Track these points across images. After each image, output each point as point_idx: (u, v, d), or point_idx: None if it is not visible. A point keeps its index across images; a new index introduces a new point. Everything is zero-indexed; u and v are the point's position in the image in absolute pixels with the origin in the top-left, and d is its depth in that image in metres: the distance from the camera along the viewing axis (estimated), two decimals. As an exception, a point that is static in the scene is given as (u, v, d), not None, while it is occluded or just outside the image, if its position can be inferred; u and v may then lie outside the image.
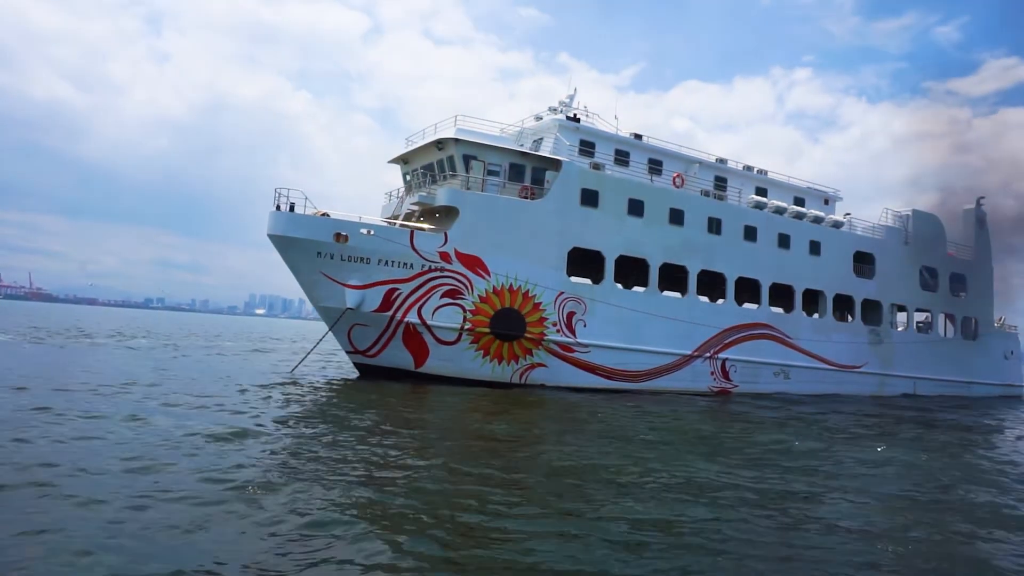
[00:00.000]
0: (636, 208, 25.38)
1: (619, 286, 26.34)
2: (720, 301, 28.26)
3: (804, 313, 30.31)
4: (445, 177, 23.82)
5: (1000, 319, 40.17)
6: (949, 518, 9.19)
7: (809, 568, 6.81)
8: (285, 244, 21.41)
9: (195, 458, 9.55)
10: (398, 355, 22.31)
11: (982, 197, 39.24)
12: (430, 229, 22.39)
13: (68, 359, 24.78)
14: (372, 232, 21.42)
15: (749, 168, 30.50)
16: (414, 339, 22.08)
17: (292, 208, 21.29)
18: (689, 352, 26.13)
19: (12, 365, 21.02)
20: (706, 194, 27.94)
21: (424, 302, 21.72)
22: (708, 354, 26.61)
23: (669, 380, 25.65)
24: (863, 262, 32.26)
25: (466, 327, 22.07)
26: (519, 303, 22.64)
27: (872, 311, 32.59)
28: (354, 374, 23.74)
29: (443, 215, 23.27)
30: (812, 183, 33.07)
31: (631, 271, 27.14)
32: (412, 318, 21.73)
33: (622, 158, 26.76)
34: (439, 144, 23.63)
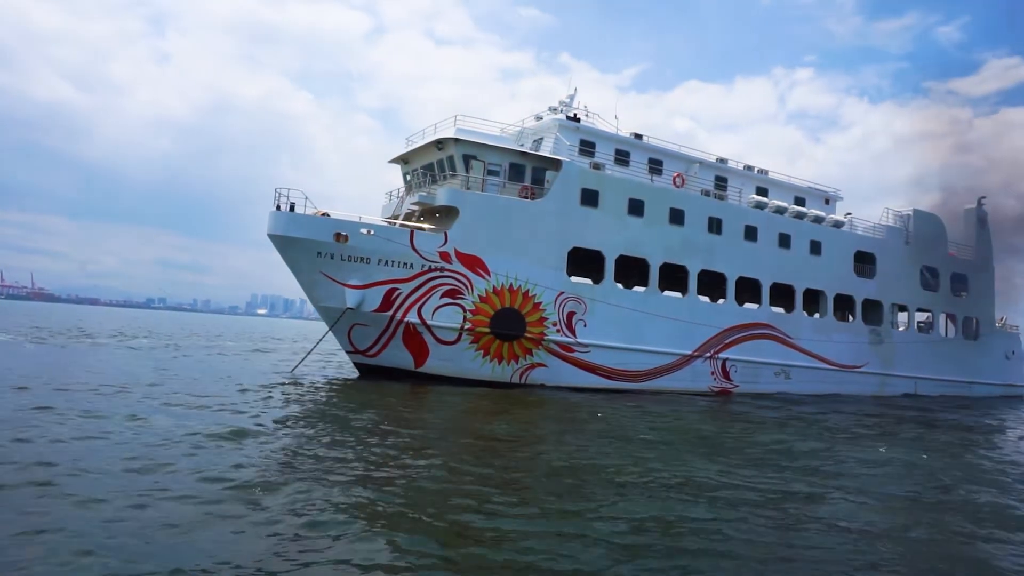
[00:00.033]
0: (636, 208, 25.36)
1: (619, 286, 26.33)
2: (720, 301, 28.24)
3: (805, 313, 30.29)
4: (445, 177, 23.82)
5: (1001, 319, 40.13)
6: (950, 518, 9.18)
7: (810, 568, 6.80)
8: (285, 244, 21.42)
9: (195, 458, 9.55)
10: (398, 355, 22.31)
11: (983, 197, 39.21)
12: (430, 229, 22.40)
13: (69, 359, 24.80)
14: (372, 232, 21.43)
15: (749, 168, 30.48)
16: (414, 339, 22.08)
17: (292, 208, 21.30)
18: (689, 352, 26.12)
19: (13, 365, 21.05)
20: (706, 194, 27.93)
21: (424, 302, 21.73)
22: (708, 354, 26.60)
23: (669, 380, 25.64)
24: (864, 262, 32.22)
25: (466, 327, 22.07)
26: (519, 303, 22.64)
27: (873, 311, 32.56)
28: (354, 374, 23.75)
29: (443, 215, 23.27)
30: (813, 183, 33.05)
31: (631, 271, 27.13)
32: (412, 318, 21.73)
33: (622, 158, 26.75)
34: (439, 144, 23.63)
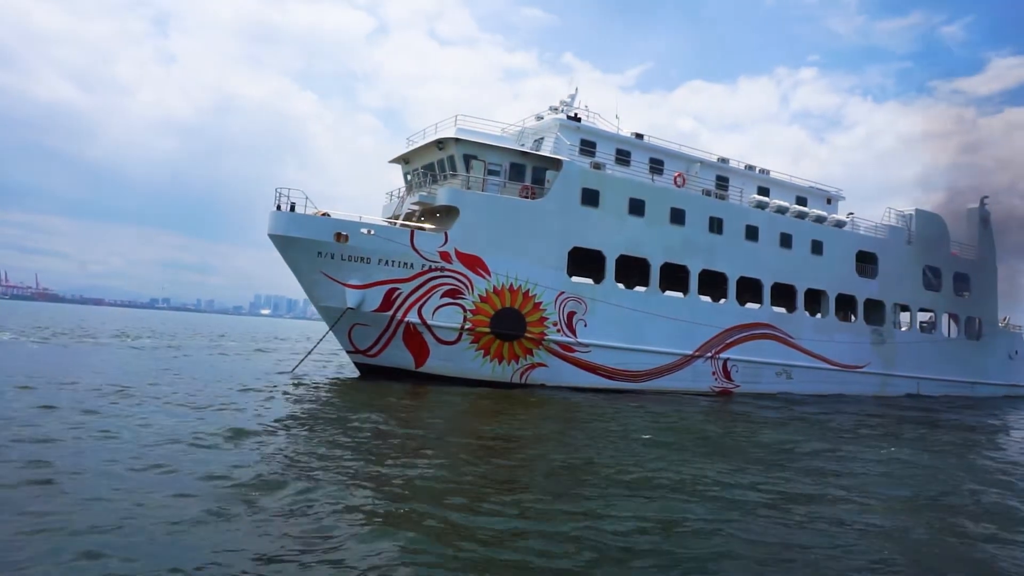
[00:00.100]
0: (637, 208, 25.33)
1: (620, 286, 26.31)
2: (722, 301, 28.18)
3: (806, 313, 30.19)
4: (446, 177, 23.83)
5: (1004, 319, 39.98)
6: (953, 519, 9.14)
7: (811, 569, 6.78)
8: (285, 244, 21.45)
9: (195, 458, 9.57)
10: (398, 355, 22.32)
11: (986, 196, 39.05)
12: (430, 229, 22.41)
13: (71, 359, 24.88)
14: (372, 232, 21.45)
15: (751, 168, 30.42)
16: (414, 339, 22.09)
17: (293, 208, 21.33)
18: (690, 352, 26.07)
19: (15, 364, 21.13)
20: (707, 194, 27.88)
21: (424, 302, 21.74)
22: (709, 354, 26.54)
23: (670, 380, 25.60)
24: (866, 262, 32.12)
25: (466, 327, 22.07)
26: (519, 303, 22.63)
27: (875, 311, 32.46)
28: (355, 374, 23.77)
29: (443, 215, 23.28)
30: (815, 183, 32.98)
31: (632, 271, 27.10)
32: (412, 318, 21.74)
33: (623, 158, 26.72)
34: (439, 144, 23.64)
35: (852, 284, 31.48)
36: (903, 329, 34.32)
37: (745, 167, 30.20)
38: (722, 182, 29.02)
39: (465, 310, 22.02)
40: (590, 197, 24.24)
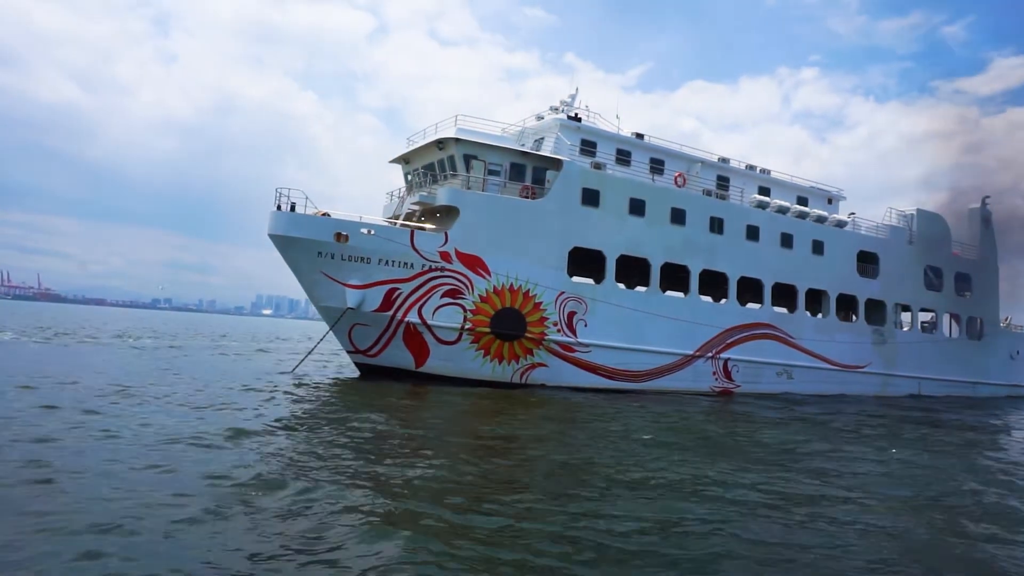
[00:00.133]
0: (637, 208, 25.32)
1: (621, 286, 26.30)
2: (722, 301, 28.15)
3: (807, 313, 30.17)
4: (446, 177, 23.83)
5: (1006, 319, 39.91)
6: (954, 519, 9.13)
7: (812, 569, 6.77)
8: (285, 244, 21.46)
9: (195, 457, 9.58)
10: (399, 355, 22.33)
11: (987, 196, 38.99)
12: (431, 229, 22.41)
13: (73, 359, 24.91)
14: (372, 232, 21.45)
15: (752, 167, 30.40)
16: (415, 339, 22.10)
17: (293, 208, 21.34)
18: (691, 352, 26.06)
19: (17, 364, 21.15)
20: (708, 193, 27.86)
21: (424, 302, 21.74)
22: (710, 354, 26.53)
23: (671, 380, 25.59)
24: (867, 262, 32.09)
25: (466, 327, 22.07)
26: (520, 303, 22.63)
27: (876, 311, 32.42)
28: (355, 374, 23.78)
29: (444, 215, 23.28)
30: (816, 183, 32.96)
31: (633, 271, 27.08)
32: (413, 318, 21.75)
33: (624, 158, 26.72)
34: (440, 144, 23.64)
35: (853, 284, 31.45)
36: (904, 329, 34.28)
37: (746, 167, 30.19)
38: (723, 182, 29.01)
39: (465, 310, 22.02)
40: (590, 197, 24.24)
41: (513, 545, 6.81)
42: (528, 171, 23.98)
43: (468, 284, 22.02)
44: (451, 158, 23.46)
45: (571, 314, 23.47)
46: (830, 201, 32.72)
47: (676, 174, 27.15)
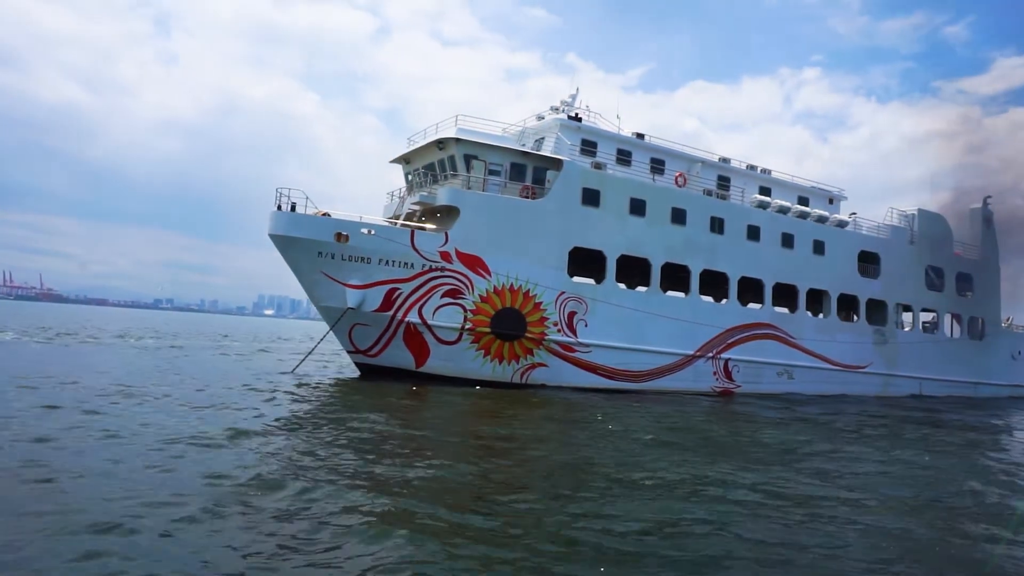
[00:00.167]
0: (638, 207, 25.31)
1: (621, 286, 26.28)
2: (723, 301, 28.14)
3: (808, 313, 30.13)
4: (446, 177, 23.84)
5: (1008, 319, 39.84)
6: (955, 519, 9.12)
7: (812, 569, 6.76)
8: (286, 244, 21.47)
9: (196, 458, 9.58)
10: (399, 355, 22.33)
11: (989, 196, 38.94)
12: (431, 229, 22.41)
13: (74, 359, 24.94)
14: (373, 232, 21.46)
15: (752, 167, 30.38)
16: (415, 339, 22.10)
17: (293, 208, 21.35)
18: (691, 352, 26.04)
19: (18, 364, 21.18)
20: (709, 193, 27.85)
21: (425, 302, 21.74)
22: (711, 354, 26.51)
23: (671, 380, 25.57)
24: (868, 262, 32.05)
25: (467, 327, 22.07)
26: (520, 303, 22.63)
27: (877, 311, 32.38)
28: (355, 374, 23.79)
29: (444, 215, 23.28)
30: (817, 182, 32.93)
31: (633, 271, 27.07)
32: (413, 318, 21.75)
33: (624, 158, 26.71)
34: (440, 144, 23.65)
35: (854, 284, 31.41)
36: (906, 329, 34.23)
37: (747, 167, 30.17)
38: (723, 182, 28.99)
39: (465, 310, 22.02)
40: (591, 197, 24.23)
41: (513, 545, 6.81)
42: (528, 171, 23.98)
43: (468, 284, 22.02)
44: (451, 158, 23.47)
45: (571, 314, 23.47)
46: (831, 201, 32.69)
47: (677, 174, 27.14)
